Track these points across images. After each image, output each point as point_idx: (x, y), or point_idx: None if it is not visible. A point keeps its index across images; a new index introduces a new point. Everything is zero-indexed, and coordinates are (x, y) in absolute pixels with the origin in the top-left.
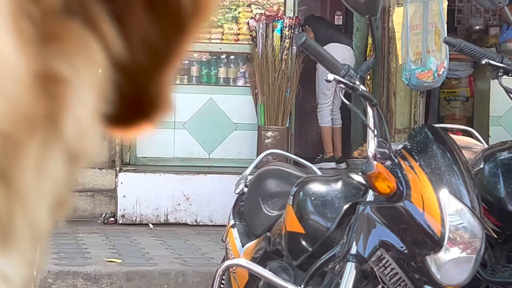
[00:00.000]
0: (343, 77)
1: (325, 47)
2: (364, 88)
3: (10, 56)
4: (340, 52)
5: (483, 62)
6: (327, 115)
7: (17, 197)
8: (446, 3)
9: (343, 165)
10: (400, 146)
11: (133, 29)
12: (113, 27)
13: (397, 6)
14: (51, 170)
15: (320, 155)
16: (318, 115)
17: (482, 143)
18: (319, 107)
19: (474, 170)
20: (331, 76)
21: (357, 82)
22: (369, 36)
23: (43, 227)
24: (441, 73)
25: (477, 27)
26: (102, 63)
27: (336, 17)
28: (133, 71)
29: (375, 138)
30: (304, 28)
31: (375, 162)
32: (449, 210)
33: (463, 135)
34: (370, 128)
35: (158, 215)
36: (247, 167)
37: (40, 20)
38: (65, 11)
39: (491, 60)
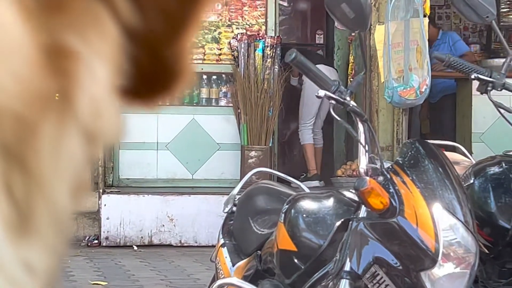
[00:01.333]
0: (333, 93)
1: None
2: (355, 104)
3: (14, 30)
4: (327, 73)
5: (472, 76)
6: (309, 133)
7: (35, 181)
8: (427, 21)
9: (321, 183)
10: (388, 164)
11: None
12: None
13: (378, 24)
14: (68, 151)
15: (303, 174)
16: (300, 134)
17: (469, 158)
18: (301, 126)
19: (464, 185)
20: (322, 92)
21: (348, 98)
22: (350, 54)
23: (64, 211)
24: (423, 90)
25: None
26: (115, 34)
27: (317, 36)
28: (148, 39)
29: (367, 154)
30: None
31: (367, 178)
32: (443, 225)
33: (446, 151)
34: (361, 144)
35: (142, 237)
36: (231, 187)
37: None
38: None
39: (480, 74)
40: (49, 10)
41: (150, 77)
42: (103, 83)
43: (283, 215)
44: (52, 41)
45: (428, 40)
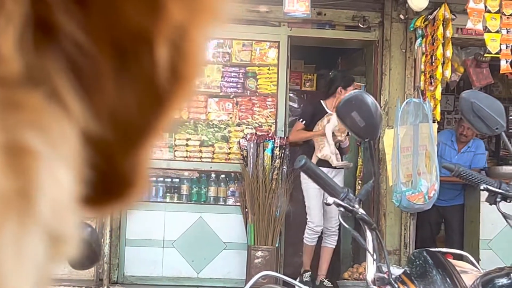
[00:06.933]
0: (342, 200)
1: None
2: (364, 212)
3: None
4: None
5: (482, 187)
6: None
7: None
8: (436, 126)
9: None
10: (400, 271)
11: (100, 101)
12: (79, 99)
13: (388, 128)
14: (31, 251)
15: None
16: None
17: (477, 267)
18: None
19: None
20: (330, 199)
21: (356, 206)
22: (359, 157)
23: None
24: (431, 195)
25: None
26: (74, 138)
27: None
28: (104, 146)
29: (374, 262)
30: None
31: None
32: None
33: (454, 258)
34: (369, 253)
35: None
36: (236, 287)
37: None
38: (28, 79)
39: (490, 186)
40: (8, 107)
41: (105, 184)
42: (64, 185)
43: None
44: (10, 138)
45: (461, 141)
